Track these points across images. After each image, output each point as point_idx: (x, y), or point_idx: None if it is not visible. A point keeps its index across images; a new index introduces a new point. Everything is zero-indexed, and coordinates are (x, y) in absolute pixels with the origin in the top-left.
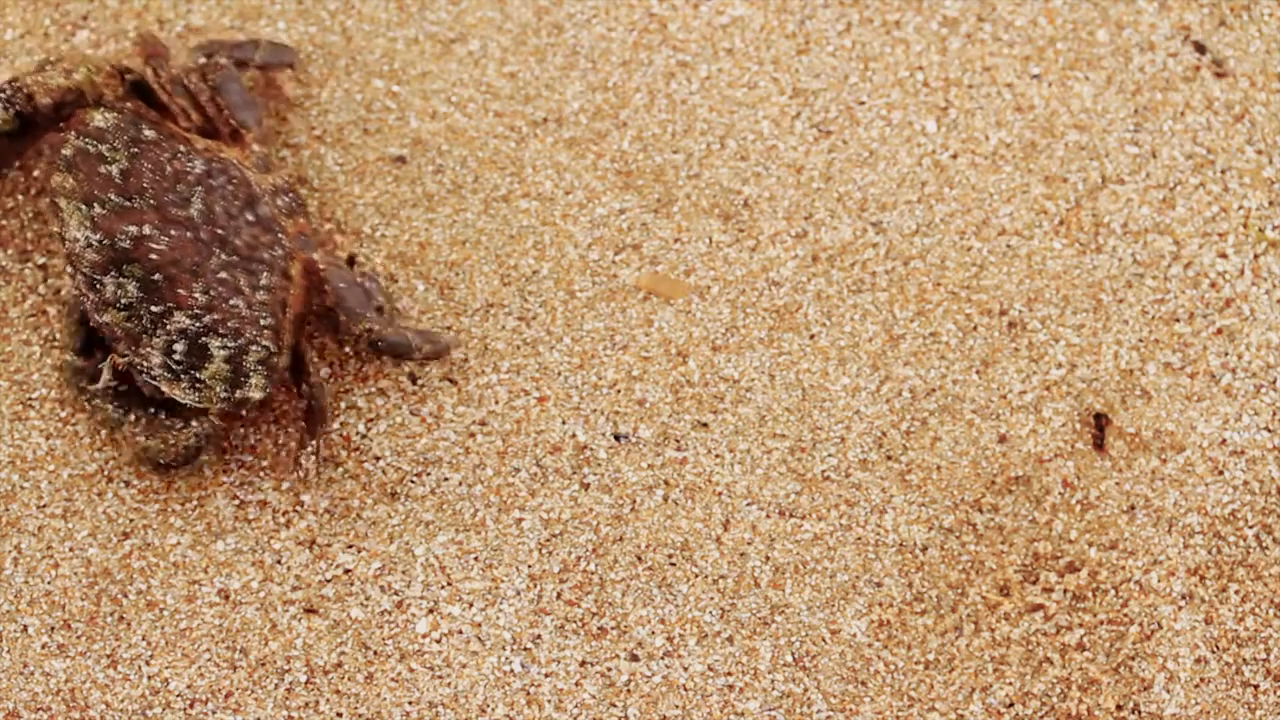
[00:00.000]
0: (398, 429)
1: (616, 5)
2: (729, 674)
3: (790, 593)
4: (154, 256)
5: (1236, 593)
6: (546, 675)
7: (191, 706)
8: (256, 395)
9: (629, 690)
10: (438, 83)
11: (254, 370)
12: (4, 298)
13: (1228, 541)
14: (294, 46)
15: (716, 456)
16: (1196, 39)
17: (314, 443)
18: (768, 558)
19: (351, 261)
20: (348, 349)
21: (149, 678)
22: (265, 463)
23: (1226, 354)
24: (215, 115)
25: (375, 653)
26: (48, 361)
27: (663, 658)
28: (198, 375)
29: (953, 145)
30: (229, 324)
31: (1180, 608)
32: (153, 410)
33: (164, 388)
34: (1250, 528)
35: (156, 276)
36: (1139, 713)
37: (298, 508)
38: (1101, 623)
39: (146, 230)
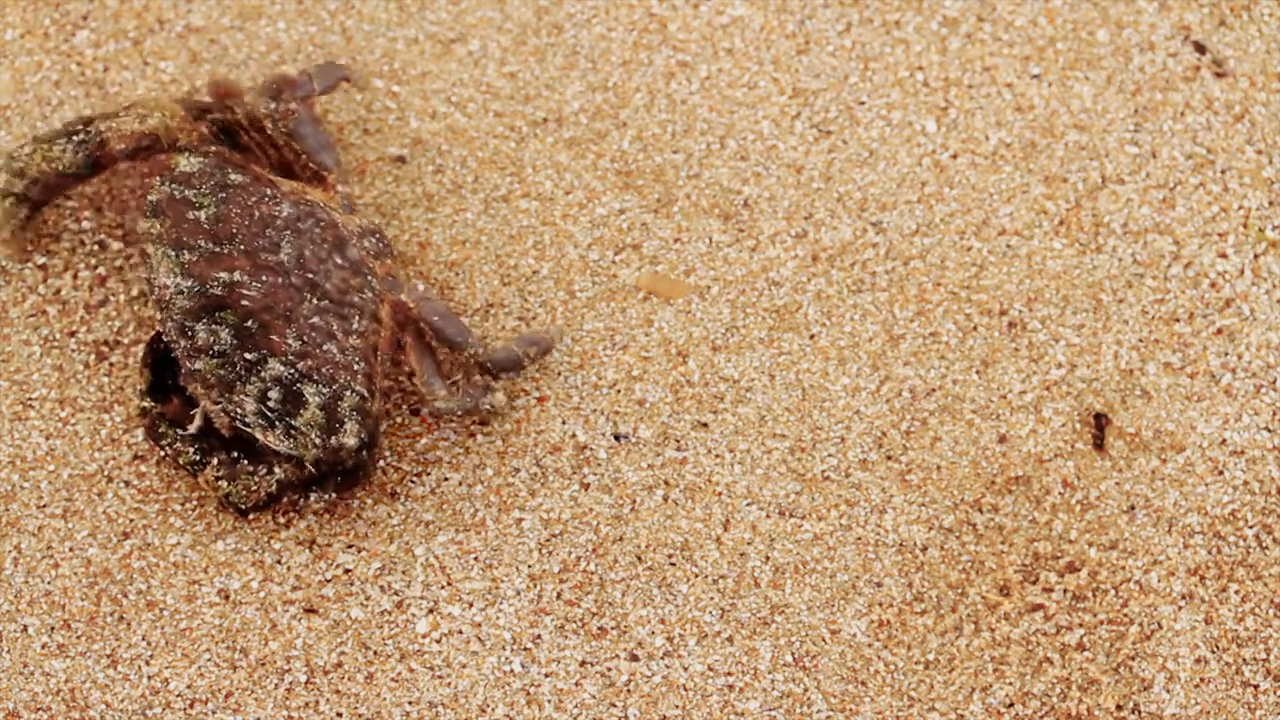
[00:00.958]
0: (398, 429)
1: (616, 5)
2: (729, 674)
3: (790, 593)
4: (246, 303)
5: (1236, 593)
6: (546, 675)
7: (191, 706)
8: (351, 442)
9: (629, 690)
10: (438, 83)
11: (349, 416)
12: (4, 298)
13: (1228, 541)
14: (342, 63)
15: (716, 456)
16: (1196, 39)
17: (495, 383)
18: (768, 558)
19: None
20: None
21: (149, 678)
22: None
23: (1226, 354)
24: (293, 160)
25: (375, 653)
26: (48, 361)
27: (663, 658)
28: (292, 422)
29: (953, 145)
30: (323, 370)
31: (1180, 608)
32: (234, 455)
33: (258, 435)
34: (1250, 528)
35: (250, 323)
36: (1139, 713)
37: (298, 508)
38: (1101, 623)
39: (238, 276)
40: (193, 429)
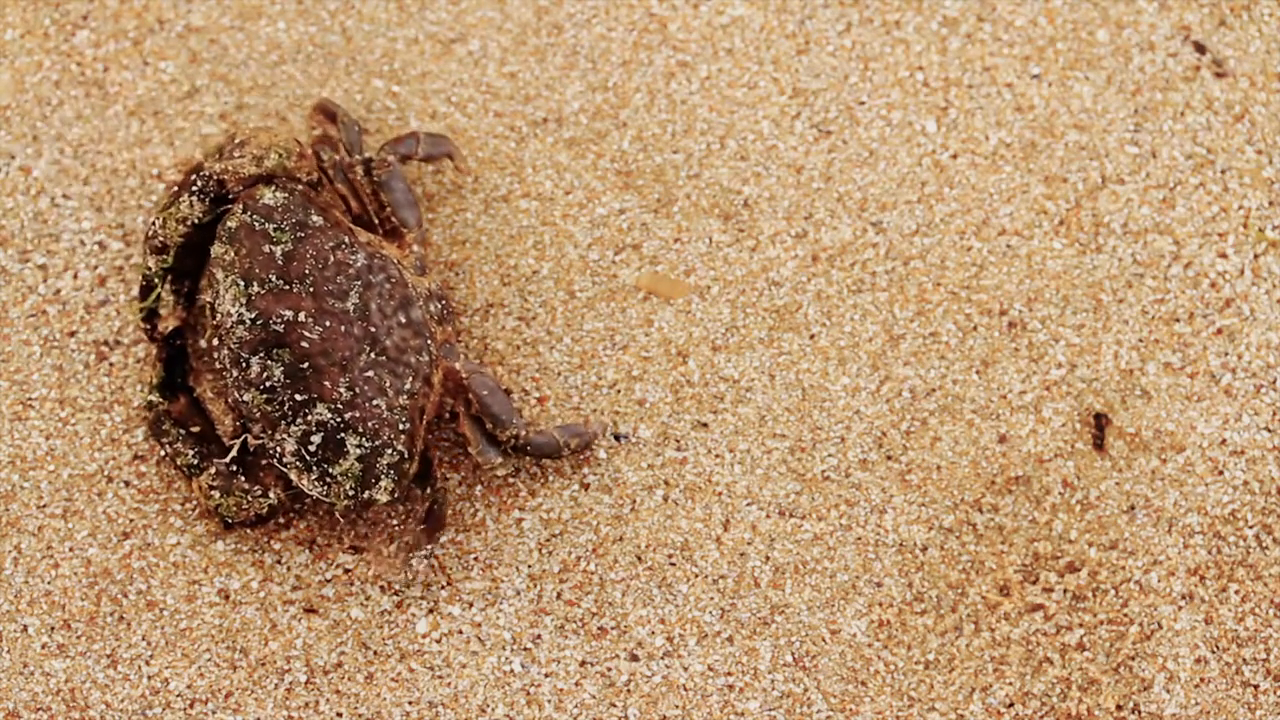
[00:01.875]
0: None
1: (616, 5)
2: (729, 674)
3: (790, 593)
4: (304, 344)
5: (1236, 593)
6: (546, 675)
7: (191, 706)
8: (383, 498)
9: (629, 690)
10: (438, 83)
11: (385, 474)
12: (4, 298)
13: (1228, 541)
14: (449, 136)
15: (716, 456)
16: (1196, 39)
17: (429, 548)
18: (768, 558)
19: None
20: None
21: (149, 678)
22: (365, 557)
23: (1226, 354)
24: (377, 211)
25: (375, 653)
26: (48, 361)
27: (663, 658)
28: (329, 470)
29: (953, 145)
30: (368, 423)
31: (1180, 608)
32: (232, 468)
33: (292, 475)
34: (1250, 528)
35: (304, 365)
36: (1139, 713)
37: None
38: (1101, 623)
39: (301, 317)
40: (229, 459)
